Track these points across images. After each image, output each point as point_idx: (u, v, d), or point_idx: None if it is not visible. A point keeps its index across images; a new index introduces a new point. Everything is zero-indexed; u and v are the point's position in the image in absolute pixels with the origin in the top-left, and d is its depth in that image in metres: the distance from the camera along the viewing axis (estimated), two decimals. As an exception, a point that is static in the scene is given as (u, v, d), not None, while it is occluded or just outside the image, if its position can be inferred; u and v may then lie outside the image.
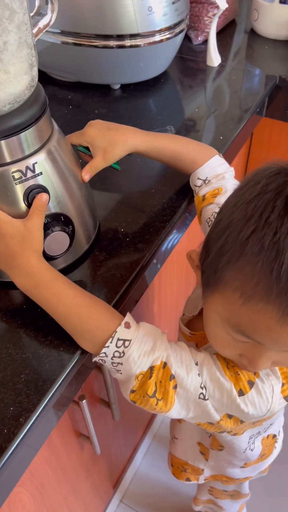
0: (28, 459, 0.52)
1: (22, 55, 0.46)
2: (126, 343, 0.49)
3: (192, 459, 0.82)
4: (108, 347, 0.49)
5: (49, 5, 0.53)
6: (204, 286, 0.48)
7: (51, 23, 0.54)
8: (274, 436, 0.76)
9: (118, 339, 0.49)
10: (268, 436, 0.73)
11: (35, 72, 0.50)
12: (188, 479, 0.87)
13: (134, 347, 0.49)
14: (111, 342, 0.49)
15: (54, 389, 0.50)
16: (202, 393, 0.50)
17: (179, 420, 0.78)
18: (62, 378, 0.51)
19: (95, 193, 0.70)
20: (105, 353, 0.49)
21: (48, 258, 0.56)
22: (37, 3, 0.54)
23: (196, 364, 0.50)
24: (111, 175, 0.74)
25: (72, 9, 0.82)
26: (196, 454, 0.80)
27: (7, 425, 0.47)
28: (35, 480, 0.66)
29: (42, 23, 0.53)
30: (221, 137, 0.83)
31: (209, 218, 0.63)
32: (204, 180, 0.65)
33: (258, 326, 0.41)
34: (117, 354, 0.49)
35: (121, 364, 0.49)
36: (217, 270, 0.43)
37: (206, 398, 0.50)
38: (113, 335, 0.49)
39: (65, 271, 0.61)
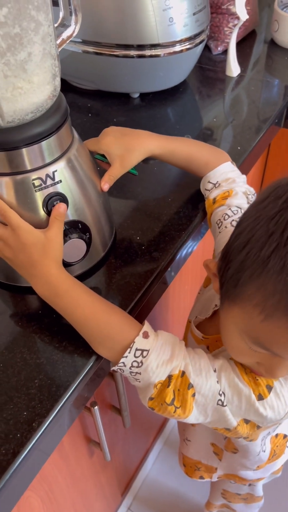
0: (39, 464, 0.52)
1: (46, 66, 0.47)
2: (144, 353, 0.49)
3: (205, 458, 0.82)
4: (126, 357, 0.49)
5: (73, 17, 0.54)
6: (222, 296, 0.48)
7: (74, 34, 0.55)
8: (286, 436, 0.75)
9: (137, 349, 0.49)
10: (277, 435, 0.73)
11: (57, 82, 0.50)
12: (201, 477, 0.87)
13: (153, 357, 0.49)
14: (129, 352, 0.49)
15: (68, 395, 0.50)
16: (220, 400, 0.50)
17: (193, 424, 0.78)
18: (76, 384, 0.51)
19: (111, 200, 0.71)
20: (123, 363, 0.49)
21: (65, 264, 0.57)
22: (61, 15, 0.55)
23: (215, 371, 0.51)
24: (128, 183, 0.75)
25: (94, 19, 0.83)
26: (210, 454, 0.80)
27: (20, 430, 0.47)
28: (44, 485, 0.66)
29: (66, 34, 0.54)
30: (238, 147, 0.83)
31: (219, 220, 0.63)
32: (215, 184, 0.66)
33: (278, 340, 0.42)
34: (135, 364, 0.49)
35: (140, 373, 0.50)
36: (237, 285, 0.43)
37: (225, 404, 0.50)
38: (131, 346, 0.49)
39: (81, 277, 0.61)
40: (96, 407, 0.65)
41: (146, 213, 0.71)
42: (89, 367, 0.53)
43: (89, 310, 0.51)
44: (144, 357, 0.49)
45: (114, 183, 0.62)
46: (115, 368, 0.51)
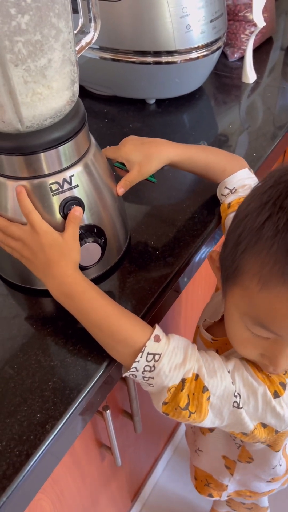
0: (51, 466, 0.53)
1: (65, 72, 0.48)
2: (156, 357, 0.49)
3: (217, 472, 0.80)
4: (138, 361, 0.49)
5: (92, 24, 0.55)
6: (223, 283, 0.48)
7: (93, 41, 0.55)
8: None
9: (148, 353, 0.49)
10: None
11: (76, 88, 0.51)
12: (210, 495, 0.85)
13: (165, 360, 0.49)
14: (141, 357, 0.49)
15: (81, 398, 0.50)
16: (236, 401, 0.50)
17: (203, 432, 0.77)
18: (89, 387, 0.51)
19: (127, 205, 0.71)
20: (135, 367, 0.49)
21: (80, 268, 0.57)
22: (80, 22, 0.55)
23: (228, 372, 0.50)
24: (143, 188, 0.75)
25: (111, 26, 0.84)
26: (221, 467, 0.78)
27: (34, 431, 0.48)
28: (56, 488, 0.67)
29: (85, 40, 0.55)
30: (254, 154, 0.83)
31: None
32: (231, 190, 0.66)
33: (275, 314, 0.41)
34: (147, 369, 0.49)
35: (152, 378, 0.49)
36: (235, 259, 0.44)
37: (240, 406, 0.50)
38: (143, 350, 0.49)
39: (96, 281, 0.62)
40: (108, 411, 0.65)
41: (160, 219, 0.71)
42: (102, 371, 0.53)
43: (102, 314, 0.51)
44: (156, 361, 0.49)
45: (129, 188, 0.62)
46: (127, 374, 0.51)
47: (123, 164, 0.64)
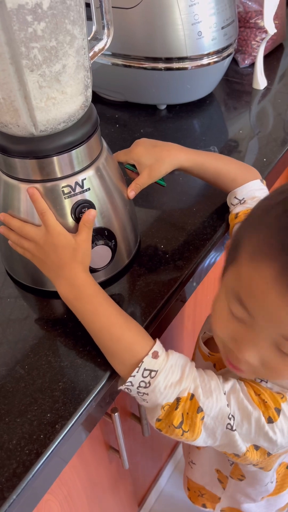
0: (60, 467, 0.53)
1: (79, 77, 0.49)
2: (153, 373, 0.49)
3: (210, 485, 0.80)
4: (134, 376, 0.49)
5: (105, 30, 0.56)
6: (224, 270, 0.48)
7: (106, 47, 0.56)
8: None
9: (145, 369, 0.49)
10: (281, 464, 0.70)
11: (89, 93, 0.52)
12: (204, 506, 0.84)
13: (161, 378, 0.48)
14: (137, 372, 0.49)
15: (90, 399, 0.51)
16: (229, 424, 0.49)
17: (198, 446, 0.77)
18: (98, 389, 0.52)
19: (137, 209, 0.72)
20: (131, 382, 0.49)
21: (90, 270, 0.58)
22: (94, 28, 0.56)
23: (224, 393, 0.50)
24: (153, 192, 0.76)
25: (123, 32, 0.85)
26: (214, 480, 0.77)
27: (44, 431, 0.48)
28: (64, 489, 0.67)
29: (98, 47, 0.56)
30: (264, 159, 0.83)
31: None
32: (240, 200, 0.66)
33: (254, 289, 0.41)
34: (143, 384, 0.49)
35: (147, 394, 0.49)
36: (237, 238, 0.45)
37: (234, 428, 0.49)
38: (139, 365, 0.49)
39: (105, 284, 0.62)
40: (117, 413, 0.65)
41: (170, 222, 0.72)
42: (111, 372, 0.53)
43: (106, 321, 0.52)
44: (152, 377, 0.49)
45: (140, 192, 0.63)
46: (122, 387, 0.51)
47: (134, 166, 0.65)
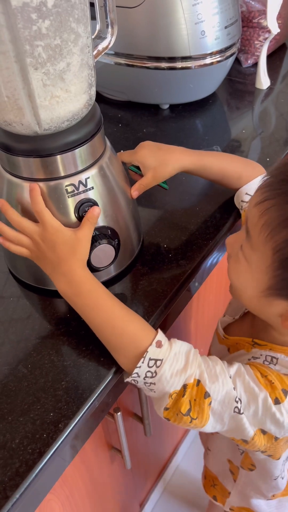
0: (63, 466, 0.53)
1: (83, 76, 0.48)
2: (158, 362, 0.49)
3: (222, 476, 0.80)
4: (140, 367, 0.49)
5: (109, 29, 0.55)
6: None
7: (110, 46, 0.56)
8: None
9: (150, 359, 0.49)
10: None
11: (93, 92, 0.52)
12: (215, 498, 0.85)
13: (166, 366, 0.49)
14: (142, 362, 0.49)
15: (93, 398, 0.51)
16: (237, 407, 0.50)
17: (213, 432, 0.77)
18: (101, 388, 0.52)
19: (140, 208, 0.72)
20: (137, 373, 0.49)
21: (93, 269, 0.58)
22: (98, 27, 0.56)
23: (230, 377, 0.50)
24: (156, 192, 0.76)
25: (127, 32, 0.85)
26: (226, 471, 0.78)
27: (47, 430, 0.48)
28: (66, 489, 0.67)
29: (102, 45, 0.56)
30: (267, 159, 0.83)
31: None
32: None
33: (252, 218, 0.48)
34: (149, 374, 0.49)
35: (154, 384, 0.50)
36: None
37: (241, 412, 0.50)
38: (144, 355, 0.49)
39: (109, 283, 0.62)
40: (119, 413, 0.65)
41: (173, 222, 0.72)
42: (114, 372, 0.53)
43: (107, 315, 0.52)
44: (158, 366, 0.49)
45: (143, 192, 0.63)
46: (129, 379, 0.51)
47: (138, 168, 0.65)
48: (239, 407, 0.50)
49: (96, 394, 0.51)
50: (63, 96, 0.47)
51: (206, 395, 0.49)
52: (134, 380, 0.51)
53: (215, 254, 0.70)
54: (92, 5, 0.51)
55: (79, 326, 0.57)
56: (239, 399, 0.50)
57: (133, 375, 0.50)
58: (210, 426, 0.51)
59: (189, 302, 0.73)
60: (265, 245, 0.47)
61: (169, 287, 0.61)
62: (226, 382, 0.50)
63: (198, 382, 0.49)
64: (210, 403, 0.49)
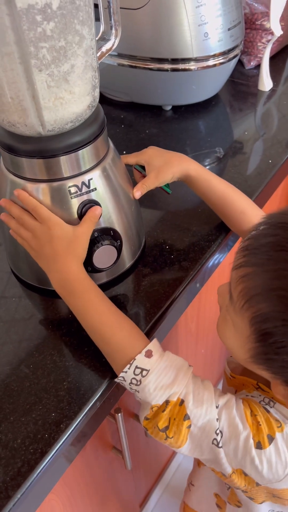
0: (64, 466, 0.53)
1: (87, 77, 0.49)
2: (144, 372, 0.48)
3: (207, 511, 0.77)
4: (126, 372, 0.49)
5: (113, 31, 0.56)
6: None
7: (113, 48, 0.56)
8: None
9: (136, 367, 0.48)
10: None
11: (96, 93, 0.52)
12: None
13: (151, 378, 0.48)
14: (129, 369, 0.48)
15: (95, 399, 0.51)
16: (216, 439, 0.48)
17: (198, 464, 0.75)
18: (103, 389, 0.52)
19: (142, 210, 0.72)
20: (123, 377, 0.49)
21: (95, 270, 0.58)
22: (101, 29, 0.57)
23: (217, 407, 0.48)
24: (159, 193, 0.76)
25: (130, 33, 0.85)
26: (212, 506, 0.75)
27: (48, 430, 0.48)
28: (67, 489, 0.67)
29: (106, 47, 0.56)
30: (269, 161, 0.83)
31: None
32: None
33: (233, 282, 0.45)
34: (134, 382, 0.49)
35: (138, 391, 0.49)
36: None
37: (220, 445, 0.48)
38: (131, 362, 0.48)
39: (110, 284, 0.62)
40: (120, 414, 0.65)
41: (175, 223, 0.72)
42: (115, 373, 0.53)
43: (98, 318, 0.51)
44: (144, 376, 0.48)
45: (145, 194, 0.63)
46: (117, 380, 0.51)
47: (143, 168, 0.65)
48: (218, 440, 0.48)
49: (98, 395, 0.51)
50: (67, 97, 0.48)
51: (186, 417, 0.47)
52: (121, 382, 0.50)
53: (217, 256, 0.70)
54: (96, 6, 0.51)
55: (81, 327, 0.57)
56: (220, 431, 0.48)
57: (119, 378, 0.50)
58: (187, 449, 0.49)
59: (191, 303, 0.73)
60: (244, 314, 0.44)
61: (171, 288, 0.62)
62: (211, 411, 0.48)
63: (182, 402, 0.48)
64: (189, 426, 0.48)
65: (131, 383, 0.49)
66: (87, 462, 0.70)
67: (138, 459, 0.95)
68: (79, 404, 0.50)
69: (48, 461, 0.46)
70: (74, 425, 0.49)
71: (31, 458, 0.46)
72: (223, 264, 0.77)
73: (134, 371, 0.48)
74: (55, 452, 0.47)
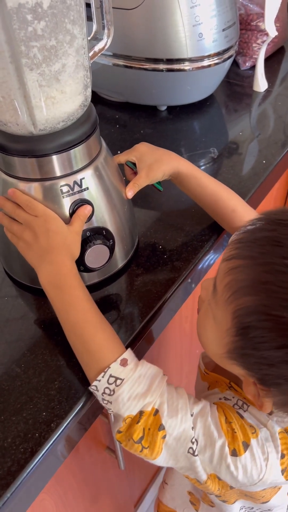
0: (55, 466, 0.53)
1: (78, 77, 0.49)
2: (118, 381, 0.47)
3: (181, 507, 0.77)
4: (99, 381, 0.47)
5: (106, 31, 0.56)
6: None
7: (106, 47, 0.56)
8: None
9: (111, 376, 0.47)
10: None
11: (88, 93, 0.52)
12: None
13: (125, 387, 0.47)
14: (102, 377, 0.47)
15: (86, 398, 0.51)
16: (191, 448, 0.47)
17: None
18: (94, 388, 0.52)
19: (135, 210, 0.72)
20: (96, 386, 0.48)
21: (87, 270, 0.58)
22: (94, 28, 0.57)
23: (192, 415, 0.48)
24: (152, 193, 0.76)
25: (125, 33, 0.86)
26: (186, 503, 0.75)
27: (39, 429, 0.48)
28: (59, 489, 0.67)
29: (98, 47, 0.56)
30: (264, 161, 0.83)
31: None
32: None
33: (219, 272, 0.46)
34: (107, 391, 0.47)
35: (110, 402, 0.48)
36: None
37: (196, 454, 0.47)
38: (105, 370, 0.47)
39: (103, 283, 0.62)
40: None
41: (169, 223, 0.72)
42: (108, 372, 0.53)
43: (83, 316, 0.50)
44: (117, 385, 0.47)
45: (138, 193, 0.63)
46: (90, 389, 0.49)
47: (134, 164, 0.65)
48: (194, 449, 0.47)
49: (89, 395, 0.51)
50: (59, 97, 0.48)
51: (161, 427, 0.47)
52: (93, 391, 0.49)
53: (210, 256, 0.70)
54: (88, 6, 0.51)
55: (73, 326, 0.57)
56: (196, 440, 0.47)
57: (92, 387, 0.48)
58: (163, 460, 0.48)
59: (185, 303, 0.73)
60: (227, 307, 0.43)
61: (164, 288, 0.62)
62: (186, 419, 0.47)
63: (156, 412, 0.47)
64: (164, 437, 0.47)
65: (104, 393, 0.47)
66: (80, 461, 0.70)
67: (132, 459, 0.95)
68: (70, 403, 0.50)
69: (38, 460, 0.46)
70: (65, 425, 0.49)
71: (21, 457, 0.46)
72: (216, 264, 0.77)
73: (108, 380, 0.47)
74: (45, 452, 0.47)
